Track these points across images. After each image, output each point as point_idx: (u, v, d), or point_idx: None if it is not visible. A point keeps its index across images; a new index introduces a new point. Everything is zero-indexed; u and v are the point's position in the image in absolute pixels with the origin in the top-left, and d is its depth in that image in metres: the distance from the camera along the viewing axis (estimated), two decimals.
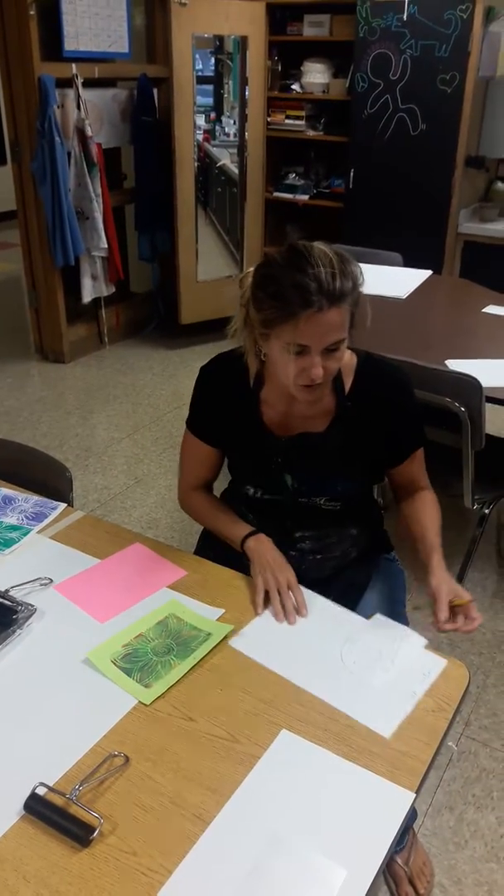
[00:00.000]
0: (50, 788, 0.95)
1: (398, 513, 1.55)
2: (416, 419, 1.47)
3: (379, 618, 1.29)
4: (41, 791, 0.94)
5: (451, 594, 1.26)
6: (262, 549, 1.40)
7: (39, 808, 0.92)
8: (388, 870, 1.58)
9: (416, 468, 1.52)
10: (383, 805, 0.96)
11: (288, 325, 1.21)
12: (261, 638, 1.23)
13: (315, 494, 1.47)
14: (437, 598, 1.26)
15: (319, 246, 1.23)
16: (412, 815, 0.99)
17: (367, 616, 1.30)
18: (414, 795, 0.97)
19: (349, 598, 1.50)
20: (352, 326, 1.27)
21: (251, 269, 1.30)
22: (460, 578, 2.39)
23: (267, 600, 1.31)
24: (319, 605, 1.31)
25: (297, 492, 1.47)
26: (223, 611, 1.28)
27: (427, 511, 1.48)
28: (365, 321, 1.30)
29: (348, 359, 1.41)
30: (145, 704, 1.09)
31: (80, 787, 0.95)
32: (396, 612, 1.49)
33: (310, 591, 1.34)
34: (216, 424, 1.49)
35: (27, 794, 0.94)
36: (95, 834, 0.89)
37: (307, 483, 1.46)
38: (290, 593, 1.32)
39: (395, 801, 0.96)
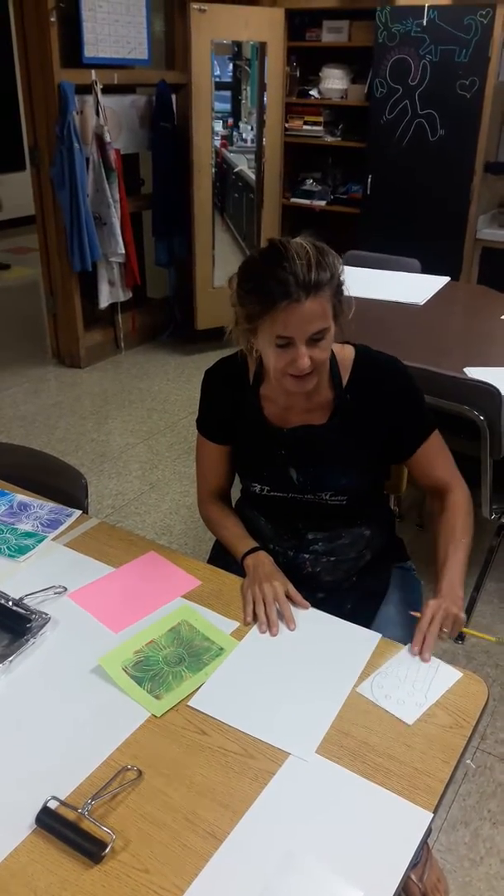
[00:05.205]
0: (62, 802, 0.94)
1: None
2: (417, 405, 1.45)
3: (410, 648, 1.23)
4: (53, 805, 0.93)
5: (437, 618, 1.24)
6: (258, 563, 1.39)
7: (51, 823, 0.91)
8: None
9: (436, 461, 1.47)
10: (400, 824, 0.94)
11: (269, 319, 1.25)
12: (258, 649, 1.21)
13: (320, 489, 1.46)
14: (422, 618, 1.25)
15: (298, 240, 1.26)
16: (427, 831, 0.98)
17: (386, 632, 1.28)
18: (431, 815, 0.95)
19: (366, 608, 1.49)
20: (337, 317, 1.30)
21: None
22: (477, 588, 2.36)
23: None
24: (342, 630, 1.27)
25: (302, 487, 1.46)
26: (238, 624, 1.26)
27: (448, 519, 1.43)
28: (349, 311, 1.33)
29: (346, 353, 1.44)
30: (156, 716, 1.07)
31: (92, 801, 0.94)
32: (413, 624, 1.47)
33: (336, 618, 1.29)
34: (222, 422, 1.51)
35: (39, 807, 0.93)
36: (107, 850, 0.88)
37: (311, 477, 1.45)
38: (278, 605, 1.29)
39: (411, 821, 0.94)
